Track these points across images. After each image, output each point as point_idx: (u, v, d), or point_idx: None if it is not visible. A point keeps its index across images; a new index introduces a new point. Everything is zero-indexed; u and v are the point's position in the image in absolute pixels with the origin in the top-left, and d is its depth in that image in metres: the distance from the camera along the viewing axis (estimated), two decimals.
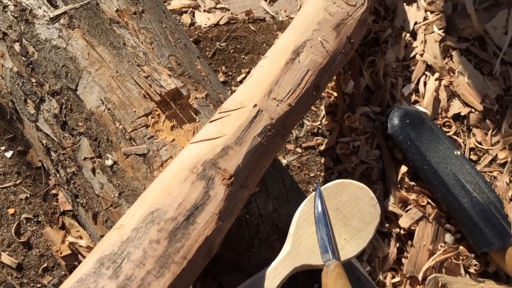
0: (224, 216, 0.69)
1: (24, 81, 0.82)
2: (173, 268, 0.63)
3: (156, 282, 0.62)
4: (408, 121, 1.11)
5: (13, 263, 1.00)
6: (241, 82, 1.20)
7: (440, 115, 1.20)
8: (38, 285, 1.01)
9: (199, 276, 0.69)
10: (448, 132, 1.19)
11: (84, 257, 1.02)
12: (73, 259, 1.03)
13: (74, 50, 0.82)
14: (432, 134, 1.10)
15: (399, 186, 1.12)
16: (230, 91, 1.18)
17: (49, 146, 0.83)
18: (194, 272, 0.67)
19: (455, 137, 1.19)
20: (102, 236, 0.82)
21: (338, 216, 0.79)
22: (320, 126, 1.19)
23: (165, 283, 0.62)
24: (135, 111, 0.80)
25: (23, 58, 0.82)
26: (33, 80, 0.82)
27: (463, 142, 1.19)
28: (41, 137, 0.84)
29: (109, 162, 0.79)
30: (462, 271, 1.08)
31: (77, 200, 0.83)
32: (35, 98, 0.82)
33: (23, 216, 1.04)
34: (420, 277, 1.05)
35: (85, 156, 0.80)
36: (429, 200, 1.10)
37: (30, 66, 0.82)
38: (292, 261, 0.76)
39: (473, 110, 1.21)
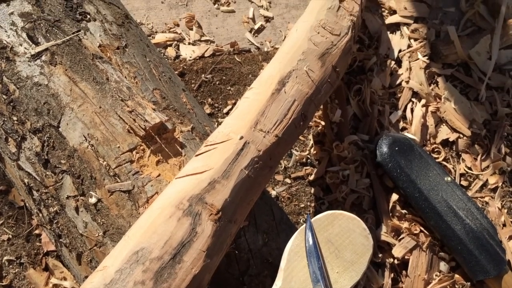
0: (212, 253, 0.67)
1: (5, 119, 0.81)
2: None
3: None
4: (397, 148, 1.10)
5: None
6: (227, 113, 1.19)
7: (428, 141, 1.20)
8: None
9: None
10: (438, 158, 1.18)
11: None
12: None
13: (56, 87, 0.80)
14: (422, 161, 1.10)
15: (390, 214, 1.10)
16: (216, 123, 1.17)
17: (31, 185, 0.80)
18: None
19: (444, 163, 1.18)
20: (86, 277, 0.79)
21: (330, 248, 0.78)
22: (308, 156, 1.18)
23: None
24: (119, 147, 0.78)
25: (4, 96, 0.81)
26: (14, 118, 0.80)
27: (453, 168, 1.18)
28: (22, 176, 0.81)
29: (93, 200, 0.76)
30: None
31: (61, 240, 0.80)
32: (16, 137, 0.80)
33: (5, 258, 1.01)
34: None
35: (68, 195, 0.78)
36: (422, 228, 1.09)
37: (11, 104, 0.80)
38: None
39: (461, 136, 1.21)
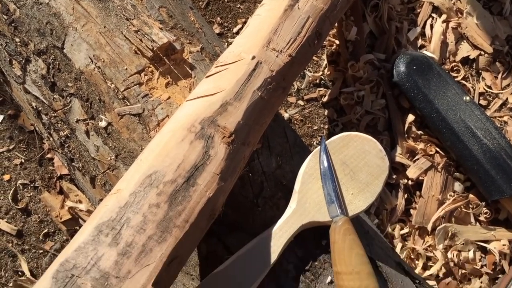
0: (226, 175, 0.66)
1: (8, 41, 0.78)
2: (175, 232, 0.60)
3: (158, 247, 0.59)
4: (414, 67, 1.06)
5: (12, 230, 0.98)
6: (237, 33, 1.14)
7: (448, 60, 1.15)
8: (40, 251, 0.99)
9: (203, 237, 0.67)
10: (457, 77, 1.14)
11: (85, 221, 1.00)
12: (73, 224, 1.01)
13: (58, 5, 0.76)
14: (440, 80, 1.06)
15: (406, 135, 1.08)
16: (226, 43, 1.13)
17: (39, 109, 0.79)
18: (198, 235, 0.65)
19: (463, 82, 1.14)
20: (101, 199, 0.79)
21: (344, 170, 0.76)
22: (322, 77, 1.14)
23: (168, 247, 0.60)
24: (126, 69, 0.75)
25: (4, 16, 0.77)
26: (17, 40, 0.77)
27: (472, 87, 1.14)
28: (30, 100, 0.80)
29: (103, 124, 0.75)
30: (472, 220, 1.06)
31: (73, 164, 0.80)
32: (21, 59, 0.77)
33: (19, 182, 1.02)
34: (429, 227, 1.03)
35: (78, 118, 0.76)
36: (438, 149, 1.07)
37: (13, 24, 0.77)
38: (299, 219, 0.74)
39: (482, 53, 1.15)
